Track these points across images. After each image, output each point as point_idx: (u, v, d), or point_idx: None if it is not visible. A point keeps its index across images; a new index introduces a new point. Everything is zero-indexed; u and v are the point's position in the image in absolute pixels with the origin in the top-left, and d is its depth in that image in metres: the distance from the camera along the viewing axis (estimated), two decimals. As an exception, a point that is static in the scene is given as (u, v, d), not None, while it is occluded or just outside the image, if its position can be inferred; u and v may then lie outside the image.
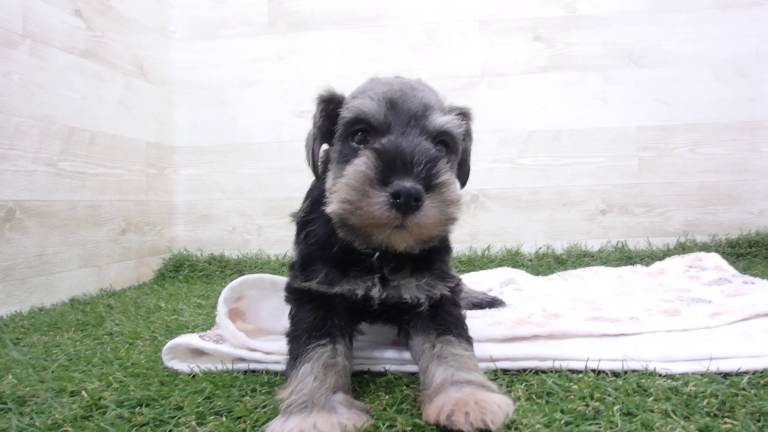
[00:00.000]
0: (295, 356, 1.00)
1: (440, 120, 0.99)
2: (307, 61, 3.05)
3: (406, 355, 1.15)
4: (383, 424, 0.89)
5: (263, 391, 1.07)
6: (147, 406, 1.00)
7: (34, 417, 0.97)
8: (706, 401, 0.91)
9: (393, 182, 0.86)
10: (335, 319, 1.07)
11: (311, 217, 1.14)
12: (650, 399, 0.92)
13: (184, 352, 1.29)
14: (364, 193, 0.87)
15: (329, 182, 1.01)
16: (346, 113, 1.00)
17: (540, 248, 2.87)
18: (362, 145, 0.97)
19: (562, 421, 0.86)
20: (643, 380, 1.01)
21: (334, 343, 1.03)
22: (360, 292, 1.07)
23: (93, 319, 1.85)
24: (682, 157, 2.84)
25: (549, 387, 1.00)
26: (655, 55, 2.84)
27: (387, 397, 1.01)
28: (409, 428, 0.88)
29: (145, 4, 2.92)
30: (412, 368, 1.14)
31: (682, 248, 2.74)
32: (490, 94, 2.94)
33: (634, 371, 1.07)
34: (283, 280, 1.31)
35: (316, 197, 1.14)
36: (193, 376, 1.17)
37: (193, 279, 2.81)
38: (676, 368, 1.07)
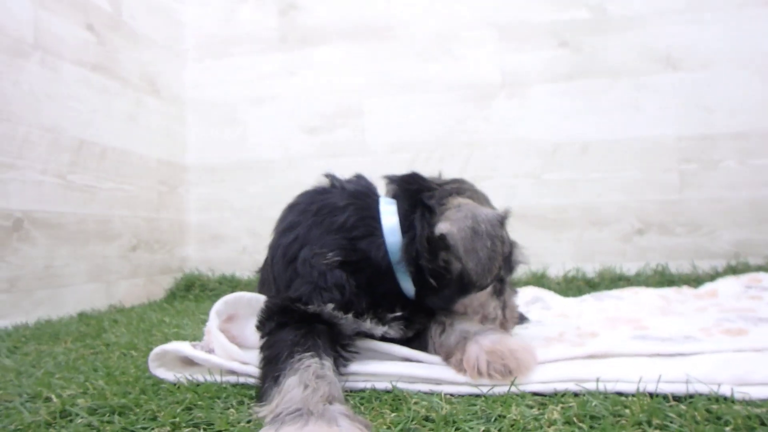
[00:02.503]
0: (276, 374, 0.96)
1: None
2: (317, 76, 3.16)
3: (418, 371, 1.10)
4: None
5: (252, 404, 1.00)
6: (120, 414, 0.99)
7: (-5, 421, 0.98)
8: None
9: None
10: (318, 339, 1.08)
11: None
12: (728, 428, 0.80)
13: (173, 360, 1.29)
14: None
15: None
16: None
17: (569, 271, 2.79)
18: None
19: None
20: (713, 406, 0.88)
21: (320, 357, 1.02)
22: (377, 333, 1.20)
23: (94, 330, 1.93)
24: (730, 170, 2.71)
25: (593, 409, 0.89)
26: (694, 57, 2.76)
27: (392, 415, 0.93)
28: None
29: (156, 22, 3.13)
30: (424, 387, 1.08)
31: (733, 272, 2.58)
32: (510, 105, 2.93)
33: (700, 395, 0.93)
34: None
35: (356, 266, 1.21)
36: (178, 387, 1.16)
37: (203, 298, 2.90)
38: (756, 393, 0.92)
